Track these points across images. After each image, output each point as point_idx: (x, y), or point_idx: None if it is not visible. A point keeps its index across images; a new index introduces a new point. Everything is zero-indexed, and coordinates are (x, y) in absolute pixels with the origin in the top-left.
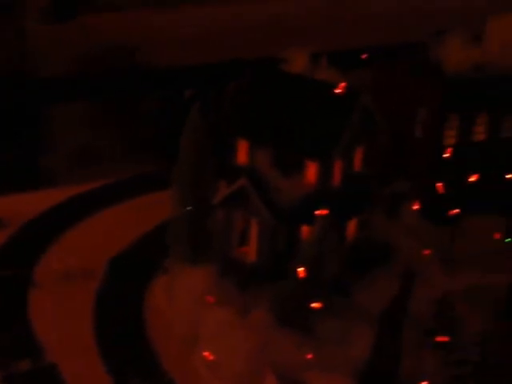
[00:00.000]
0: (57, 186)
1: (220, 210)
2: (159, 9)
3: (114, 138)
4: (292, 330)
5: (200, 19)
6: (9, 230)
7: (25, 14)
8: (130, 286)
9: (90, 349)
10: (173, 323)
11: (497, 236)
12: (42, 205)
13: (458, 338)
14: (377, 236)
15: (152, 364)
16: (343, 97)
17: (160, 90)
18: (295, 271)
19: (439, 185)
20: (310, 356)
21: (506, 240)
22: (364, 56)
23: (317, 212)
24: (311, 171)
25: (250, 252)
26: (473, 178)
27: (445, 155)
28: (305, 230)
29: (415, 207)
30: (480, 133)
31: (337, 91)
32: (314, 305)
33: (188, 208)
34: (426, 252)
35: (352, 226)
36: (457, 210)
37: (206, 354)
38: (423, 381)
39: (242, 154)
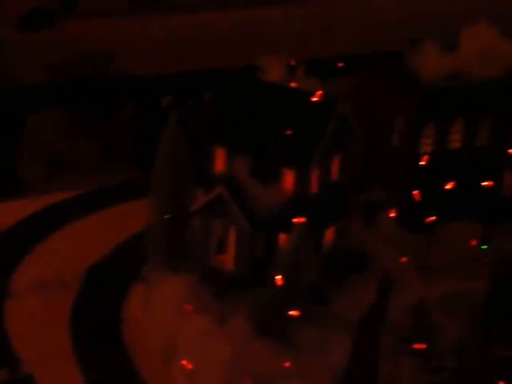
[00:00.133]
0: (33, 196)
1: (198, 218)
2: (136, 16)
3: (90, 146)
4: (270, 338)
5: (178, 27)
6: None
7: (1, 23)
8: (108, 295)
9: (67, 359)
10: (151, 332)
11: (473, 243)
12: (18, 214)
13: (434, 345)
14: (354, 244)
15: (130, 374)
16: (320, 105)
17: (137, 97)
18: (273, 279)
19: (415, 192)
20: (288, 364)
21: (482, 247)
22: (340, 65)
23: (294, 220)
24: (288, 179)
25: (228, 260)
26: (449, 186)
27: (421, 163)
28: (282, 237)
29: (392, 215)
30: (456, 141)
31: (314, 100)
32: (291, 313)
33: (166, 216)
34: (403, 259)
35: (329, 234)
36: (433, 218)
37: (184, 362)
38: None
39: (219, 162)
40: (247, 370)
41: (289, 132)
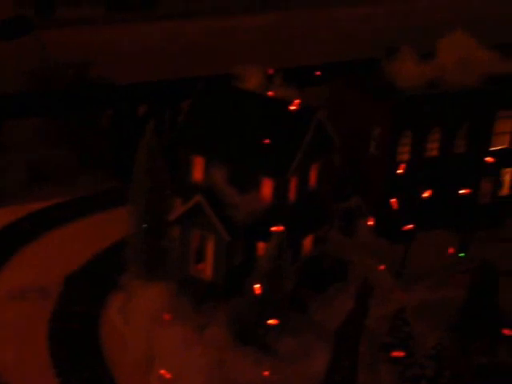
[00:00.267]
0: (11, 205)
1: (176, 227)
2: (113, 25)
3: (68, 155)
4: (249, 347)
5: (155, 35)
6: None
7: None
8: (86, 304)
9: (45, 368)
10: (129, 341)
11: (450, 251)
12: None
13: (413, 353)
14: (332, 252)
15: (108, 383)
16: (298, 114)
17: (114, 106)
18: (252, 288)
19: (393, 201)
20: (267, 373)
21: (460, 255)
22: (318, 73)
23: (273, 228)
24: (267, 188)
25: (207, 269)
26: (426, 194)
27: (398, 171)
28: (261, 246)
29: (370, 223)
30: (433, 149)
31: (291, 108)
32: (270, 321)
33: (144, 225)
34: (381, 267)
35: (308, 243)
36: (411, 226)
37: (162, 372)
38: None
39: (197, 171)
40: (226, 379)
41: (267, 141)
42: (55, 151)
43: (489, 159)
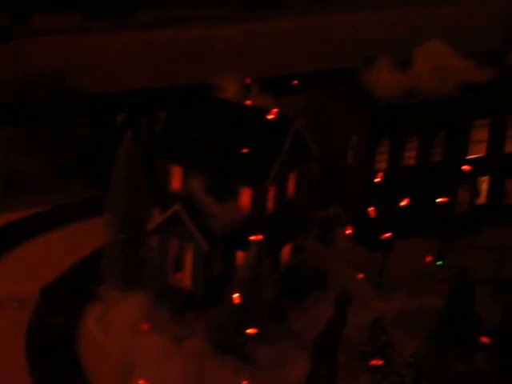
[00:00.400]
0: None
1: (154, 237)
2: (91, 33)
3: (46, 164)
4: (228, 357)
5: (132, 44)
6: None
7: None
8: (64, 314)
9: (22, 380)
10: (107, 351)
11: (428, 259)
12: None
13: (392, 361)
14: (311, 261)
15: None
16: (276, 123)
17: (92, 115)
18: (230, 297)
19: (371, 209)
20: (246, 382)
21: (438, 263)
22: (295, 82)
23: (251, 238)
24: (245, 197)
25: (185, 278)
26: (404, 203)
27: (376, 180)
28: (239, 255)
29: (348, 232)
30: (410, 157)
31: (269, 117)
32: (249, 331)
33: (122, 235)
34: (360, 276)
35: (286, 252)
36: (389, 234)
37: (141, 382)
38: None
39: (175, 180)
40: None
41: (245, 150)
42: (34, 160)
43: (466, 168)
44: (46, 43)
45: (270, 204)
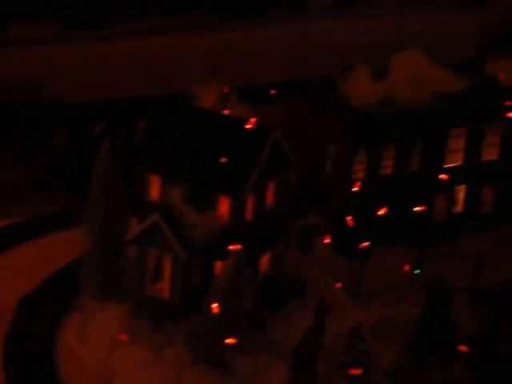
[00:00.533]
0: None
1: (133, 247)
2: (68, 43)
3: (23, 174)
4: (207, 367)
5: (110, 54)
6: None
7: None
8: (42, 325)
9: None
10: (86, 362)
11: (406, 268)
12: None
13: (370, 370)
14: (290, 270)
15: None
16: (254, 132)
17: (69, 125)
18: (209, 307)
19: (349, 218)
20: None
21: (415, 272)
22: (272, 92)
23: (230, 247)
24: (224, 206)
25: (164, 288)
26: (381, 212)
27: (354, 189)
28: (218, 265)
29: (326, 241)
30: (388, 167)
31: (248, 127)
32: (228, 340)
33: (100, 245)
34: (338, 285)
35: (265, 261)
36: (366, 243)
37: None
38: None
39: (154, 190)
40: None
41: (223, 159)
42: (10, 170)
43: (443, 176)
44: (22, 53)
45: (249, 213)
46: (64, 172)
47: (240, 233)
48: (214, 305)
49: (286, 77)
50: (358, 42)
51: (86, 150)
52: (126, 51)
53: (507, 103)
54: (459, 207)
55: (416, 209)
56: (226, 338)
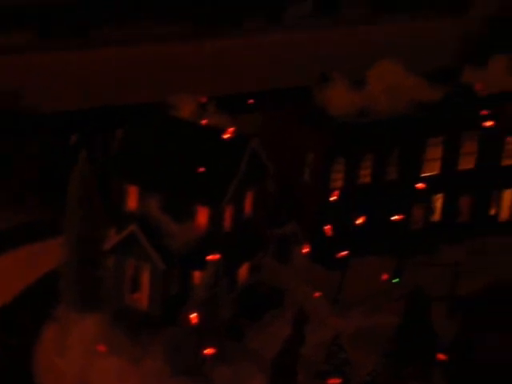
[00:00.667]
0: None
1: (111, 257)
2: (45, 52)
3: None
4: (186, 377)
5: (87, 63)
6: None
7: None
8: (19, 336)
9: None
10: (64, 373)
11: (384, 277)
12: None
13: (349, 380)
14: (268, 279)
15: None
16: (232, 142)
17: (44, 134)
18: (188, 317)
19: (327, 228)
20: None
21: (394, 281)
22: (250, 101)
23: (208, 257)
24: (202, 216)
25: (142, 298)
26: (359, 221)
27: (332, 198)
28: (197, 275)
29: (305, 250)
30: (366, 176)
31: (226, 136)
32: (207, 351)
33: (77, 254)
34: (317, 294)
35: (244, 270)
36: (345, 252)
37: None
38: None
39: (132, 200)
40: None
41: (201, 169)
42: None
43: (420, 185)
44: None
45: (227, 223)
46: (39, 182)
47: (218, 242)
48: (193, 315)
49: (264, 86)
50: (334, 51)
51: (62, 160)
52: (103, 60)
53: (483, 112)
54: (437, 216)
55: (394, 218)
56: (204, 348)
